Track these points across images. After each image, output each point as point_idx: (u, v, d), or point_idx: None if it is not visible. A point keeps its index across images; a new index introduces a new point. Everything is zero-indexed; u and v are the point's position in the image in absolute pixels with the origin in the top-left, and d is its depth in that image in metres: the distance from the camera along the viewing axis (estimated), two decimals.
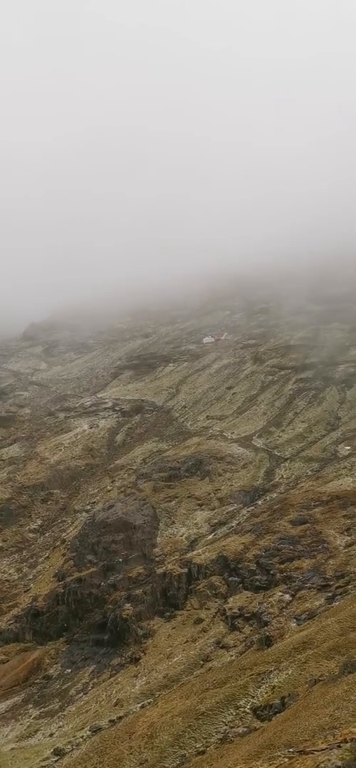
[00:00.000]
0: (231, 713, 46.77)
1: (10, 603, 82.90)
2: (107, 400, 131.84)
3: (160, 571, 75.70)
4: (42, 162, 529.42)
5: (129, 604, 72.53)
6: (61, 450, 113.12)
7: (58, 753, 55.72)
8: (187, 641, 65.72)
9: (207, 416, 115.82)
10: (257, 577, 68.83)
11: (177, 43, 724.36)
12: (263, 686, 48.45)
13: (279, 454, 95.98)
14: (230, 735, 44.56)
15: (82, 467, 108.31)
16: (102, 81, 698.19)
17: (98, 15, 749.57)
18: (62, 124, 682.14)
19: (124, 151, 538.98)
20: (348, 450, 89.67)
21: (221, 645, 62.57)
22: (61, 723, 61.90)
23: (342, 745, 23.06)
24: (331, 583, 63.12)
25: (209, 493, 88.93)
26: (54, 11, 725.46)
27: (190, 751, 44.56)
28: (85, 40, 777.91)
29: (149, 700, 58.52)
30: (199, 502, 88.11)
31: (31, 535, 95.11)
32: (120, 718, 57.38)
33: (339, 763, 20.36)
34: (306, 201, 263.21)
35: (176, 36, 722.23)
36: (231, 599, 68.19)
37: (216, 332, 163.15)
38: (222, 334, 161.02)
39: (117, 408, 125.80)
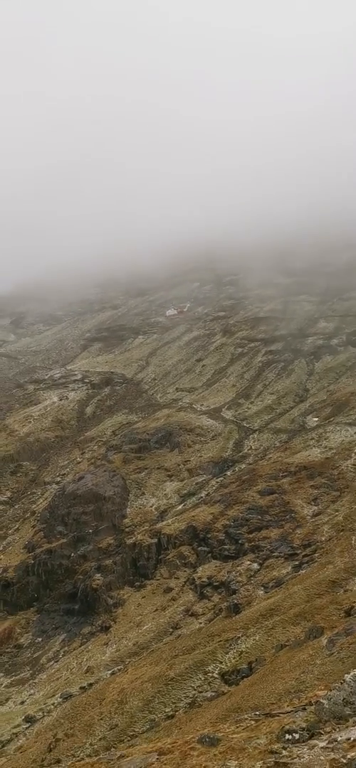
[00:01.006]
0: (200, 678, 47.86)
1: None
2: (76, 372, 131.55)
3: (130, 541, 76.47)
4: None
5: (99, 574, 73.28)
6: (30, 422, 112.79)
7: (30, 720, 56.47)
8: (156, 610, 66.73)
9: (177, 388, 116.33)
10: (225, 546, 69.95)
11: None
12: (231, 652, 49.62)
13: (247, 425, 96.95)
14: (198, 699, 45.67)
15: (52, 439, 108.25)
16: None
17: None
18: None
19: (94, 120, 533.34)
20: (316, 421, 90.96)
21: (190, 613, 63.68)
22: (32, 691, 62.62)
23: (307, 707, 23.81)
24: (298, 551, 64.49)
25: (179, 465, 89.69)
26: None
27: (159, 715, 45.58)
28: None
29: (119, 667, 59.48)
30: (168, 473, 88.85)
31: (0, 507, 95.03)
32: (91, 684, 58.29)
33: (304, 725, 21.09)
34: (269, 174, 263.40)
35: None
36: (200, 568, 69.29)
37: (179, 304, 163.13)
38: (185, 306, 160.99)
39: (87, 380, 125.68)
